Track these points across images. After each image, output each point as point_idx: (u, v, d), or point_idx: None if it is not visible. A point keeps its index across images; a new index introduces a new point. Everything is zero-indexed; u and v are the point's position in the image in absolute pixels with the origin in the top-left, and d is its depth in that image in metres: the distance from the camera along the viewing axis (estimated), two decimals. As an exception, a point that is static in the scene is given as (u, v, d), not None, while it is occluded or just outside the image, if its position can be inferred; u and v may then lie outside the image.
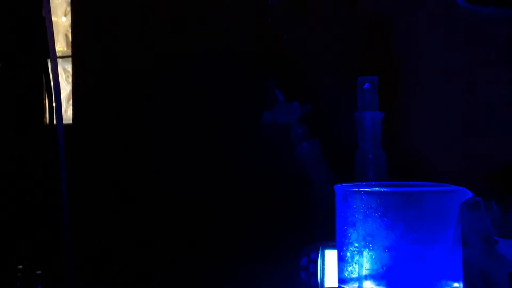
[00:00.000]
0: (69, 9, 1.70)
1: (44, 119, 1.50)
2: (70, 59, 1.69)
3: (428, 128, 1.29)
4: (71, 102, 1.68)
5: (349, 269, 0.67)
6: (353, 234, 0.67)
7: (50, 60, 1.19)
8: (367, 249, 0.66)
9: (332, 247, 0.70)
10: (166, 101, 1.49)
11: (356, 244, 0.67)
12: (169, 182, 1.46)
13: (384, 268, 0.65)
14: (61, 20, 1.74)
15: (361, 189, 0.67)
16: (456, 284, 0.66)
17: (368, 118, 1.17)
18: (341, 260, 0.68)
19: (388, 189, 0.67)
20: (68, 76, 1.71)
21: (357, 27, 1.33)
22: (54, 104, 1.12)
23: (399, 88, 1.29)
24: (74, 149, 1.44)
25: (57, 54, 1.23)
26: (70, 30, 1.69)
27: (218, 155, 1.43)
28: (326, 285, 0.99)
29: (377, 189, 0.67)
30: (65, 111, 1.65)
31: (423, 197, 0.66)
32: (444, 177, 0.71)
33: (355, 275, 0.67)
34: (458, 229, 0.67)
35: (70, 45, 1.69)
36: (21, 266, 1.04)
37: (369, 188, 0.67)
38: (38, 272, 1.04)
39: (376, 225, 0.65)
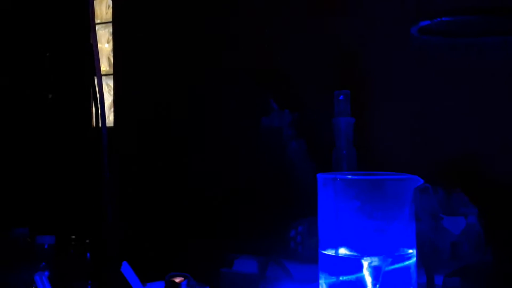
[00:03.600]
0: (111, 37, 1.71)
1: (92, 123, 1.50)
2: (112, 76, 1.70)
3: (390, 130, 1.29)
4: (112, 109, 1.69)
5: (328, 238, 0.68)
6: (331, 212, 0.67)
7: (96, 78, 1.20)
8: (342, 224, 0.66)
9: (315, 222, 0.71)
10: (189, 109, 1.51)
11: (334, 220, 0.67)
12: (192, 175, 1.48)
13: (355, 238, 0.66)
14: (104, 46, 1.74)
15: (337, 177, 0.67)
16: (410, 251, 0.66)
17: (343, 122, 1.17)
18: (322, 232, 0.69)
19: (358, 177, 0.67)
20: (110, 90, 1.71)
21: (334, 51, 1.34)
22: (99, 111, 1.12)
23: (367, 99, 1.29)
24: (115, 147, 1.45)
25: (102, 73, 1.23)
26: (112, 54, 1.70)
27: (227, 153, 1.45)
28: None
29: (349, 177, 0.68)
30: (108, 116, 1.66)
31: (385, 183, 0.67)
32: (401, 168, 0.72)
33: (333, 243, 0.67)
34: (412, 208, 0.67)
35: (112, 65, 1.70)
36: (74, 236, 1.04)
37: (343, 177, 0.68)
38: (87, 241, 1.04)
39: (349, 205, 0.66)
